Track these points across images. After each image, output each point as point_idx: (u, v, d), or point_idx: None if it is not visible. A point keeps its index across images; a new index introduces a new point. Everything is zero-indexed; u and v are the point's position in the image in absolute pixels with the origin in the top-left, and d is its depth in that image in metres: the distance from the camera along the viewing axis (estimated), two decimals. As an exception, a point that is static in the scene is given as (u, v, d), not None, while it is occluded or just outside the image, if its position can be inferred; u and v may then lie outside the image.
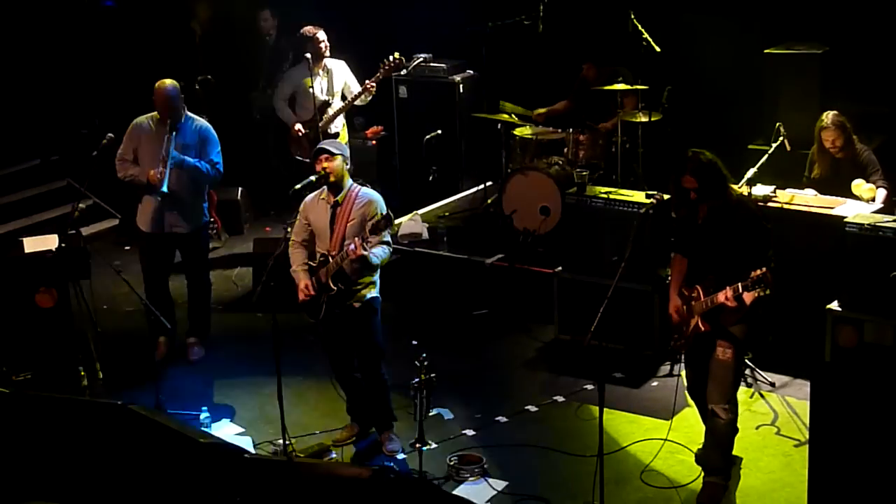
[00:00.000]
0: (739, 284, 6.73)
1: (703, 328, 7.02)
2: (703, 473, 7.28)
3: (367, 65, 11.18)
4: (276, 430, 7.73)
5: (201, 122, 9.06)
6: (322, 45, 10.81)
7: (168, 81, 8.87)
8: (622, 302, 8.01)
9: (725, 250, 6.93)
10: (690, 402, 7.75)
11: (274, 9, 12.42)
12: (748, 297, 6.76)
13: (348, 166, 7.68)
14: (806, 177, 9.11)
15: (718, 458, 7.19)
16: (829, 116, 8.92)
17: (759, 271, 6.59)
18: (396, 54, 10.79)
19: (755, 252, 6.83)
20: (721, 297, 6.84)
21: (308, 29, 10.88)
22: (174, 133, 8.84)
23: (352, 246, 7.34)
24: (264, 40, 12.29)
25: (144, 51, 12.74)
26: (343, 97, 10.89)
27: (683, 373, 7.52)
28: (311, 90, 10.71)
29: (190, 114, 9.03)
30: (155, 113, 8.97)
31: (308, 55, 10.74)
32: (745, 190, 8.62)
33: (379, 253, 7.50)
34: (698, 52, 11.21)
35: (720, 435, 7.13)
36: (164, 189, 8.72)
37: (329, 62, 10.94)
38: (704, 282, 7.00)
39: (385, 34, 12.95)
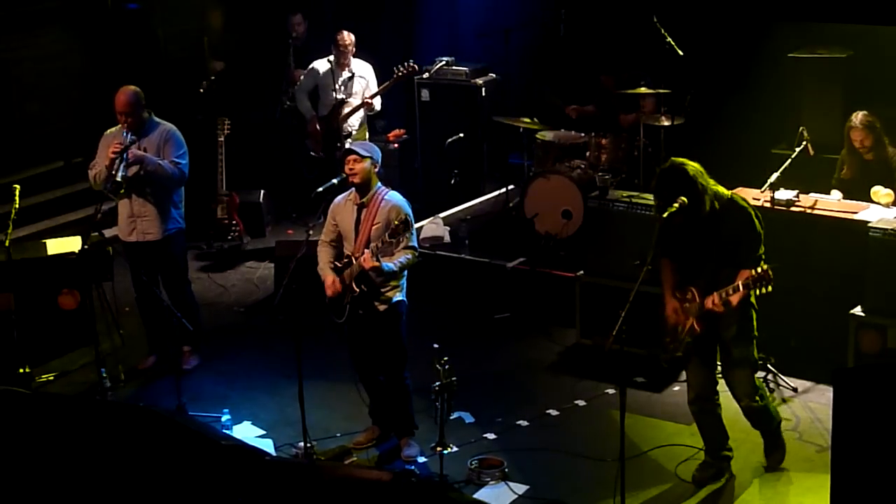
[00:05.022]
0: (725, 290, 6.84)
1: (697, 329, 7.05)
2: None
3: (388, 68, 11.21)
4: (298, 433, 7.74)
5: (167, 126, 8.89)
6: (348, 46, 11.04)
7: (129, 87, 8.74)
8: (644, 306, 7.97)
9: (717, 252, 6.95)
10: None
11: (304, 12, 12.47)
12: (735, 299, 6.84)
13: (377, 169, 7.69)
14: (835, 178, 9.07)
15: (766, 431, 7.44)
16: (858, 116, 8.89)
17: (758, 269, 6.67)
18: (411, 62, 10.89)
19: (746, 252, 6.88)
20: (708, 302, 6.91)
21: (339, 33, 11.11)
22: (129, 132, 8.65)
23: (362, 256, 7.37)
24: (287, 40, 12.34)
25: (166, 52, 12.79)
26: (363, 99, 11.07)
27: (686, 380, 7.50)
28: (330, 88, 11.03)
29: (157, 119, 8.87)
30: None
31: (332, 55, 11.07)
32: (767, 194, 8.59)
33: (401, 260, 7.50)
34: (722, 56, 11.18)
35: (760, 416, 7.34)
36: (119, 178, 8.51)
37: (355, 63, 11.14)
38: (698, 284, 7.01)
39: (407, 36, 12.97)
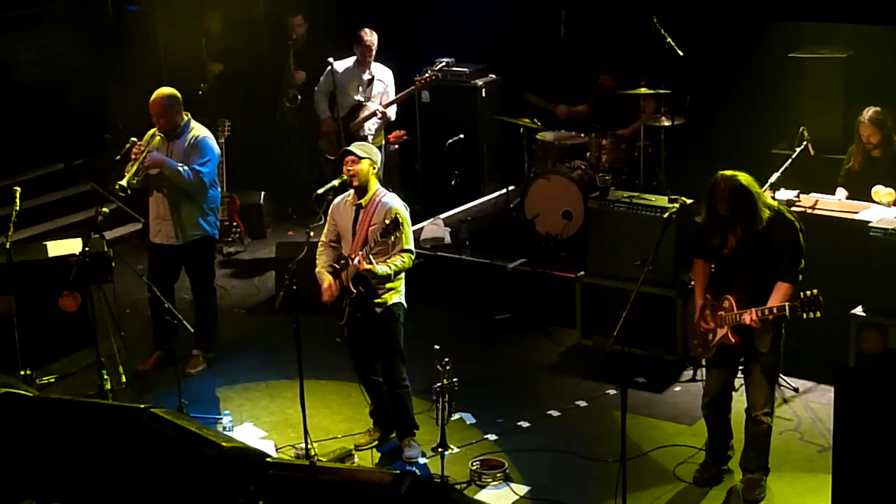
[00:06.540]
0: (765, 308, 6.80)
1: (733, 340, 7.01)
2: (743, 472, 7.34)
3: (388, 68, 11.19)
4: (299, 434, 7.74)
5: (200, 132, 8.89)
6: (370, 49, 10.91)
7: (165, 90, 8.79)
8: (645, 307, 8.00)
9: (760, 265, 6.92)
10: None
11: (305, 14, 12.45)
12: (772, 318, 6.84)
13: (376, 171, 7.68)
14: (843, 171, 9.05)
15: (759, 458, 7.27)
16: (868, 112, 8.87)
17: (807, 293, 6.64)
18: (431, 70, 10.87)
19: (788, 265, 6.87)
20: (747, 318, 6.86)
21: (363, 31, 10.98)
22: (157, 136, 8.75)
23: (356, 259, 7.37)
24: (287, 43, 12.33)
25: (166, 54, 12.79)
26: (380, 103, 10.99)
27: (704, 382, 7.46)
28: (348, 89, 10.92)
29: (194, 123, 8.93)
30: None
31: (355, 56, 10.96)
32: (767, 194, 8.59)
33: (395, 263, 7.50)
34: (722, 56, 11.18)
35: (763, 439, 7.23)
36: (124, 183, 8.53)
37: (375, 67, 11.04)
38: (736, 293, 6.97)
39: (408, 38, 12.96)
